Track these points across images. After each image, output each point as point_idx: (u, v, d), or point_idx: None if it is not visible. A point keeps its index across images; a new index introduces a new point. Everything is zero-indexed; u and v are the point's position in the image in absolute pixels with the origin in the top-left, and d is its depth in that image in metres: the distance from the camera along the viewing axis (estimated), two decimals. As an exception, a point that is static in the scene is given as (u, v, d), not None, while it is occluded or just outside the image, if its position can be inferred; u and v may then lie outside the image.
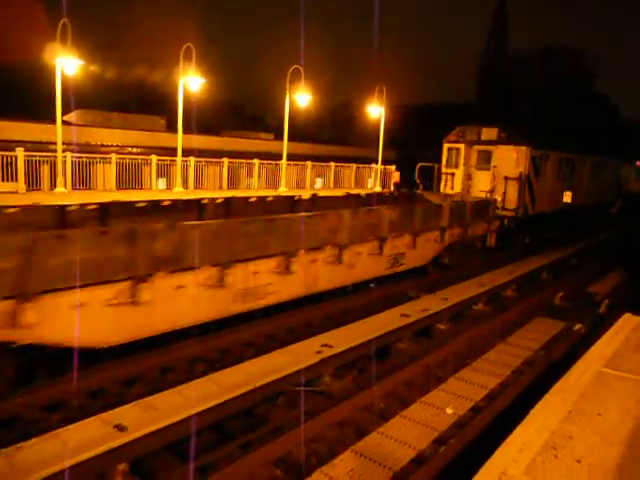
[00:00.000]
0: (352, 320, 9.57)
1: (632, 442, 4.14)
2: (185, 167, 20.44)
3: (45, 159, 16.91)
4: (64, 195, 15.26)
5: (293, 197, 13.69)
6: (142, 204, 10.42)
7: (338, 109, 58.14)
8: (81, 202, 9.77)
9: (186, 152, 20.41)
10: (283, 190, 21.81)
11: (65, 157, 16.74)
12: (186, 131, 20.49)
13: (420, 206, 13.63)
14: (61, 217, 9.22)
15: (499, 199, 17.85)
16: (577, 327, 10.36)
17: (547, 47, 70.55)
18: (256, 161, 23.22)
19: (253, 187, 23.38)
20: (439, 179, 19.79)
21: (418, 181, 19.47)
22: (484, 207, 16.33)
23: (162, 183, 20.98)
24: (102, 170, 18.85)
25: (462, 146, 19.46)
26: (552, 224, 21.18)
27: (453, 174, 19.56)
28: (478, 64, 77.27)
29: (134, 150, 24.91)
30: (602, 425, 4.35)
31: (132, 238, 7.09)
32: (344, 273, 10.74)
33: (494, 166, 18.82)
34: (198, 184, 21.19)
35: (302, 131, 35.64)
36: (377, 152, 25.51)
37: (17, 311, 6.14)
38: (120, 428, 5.32)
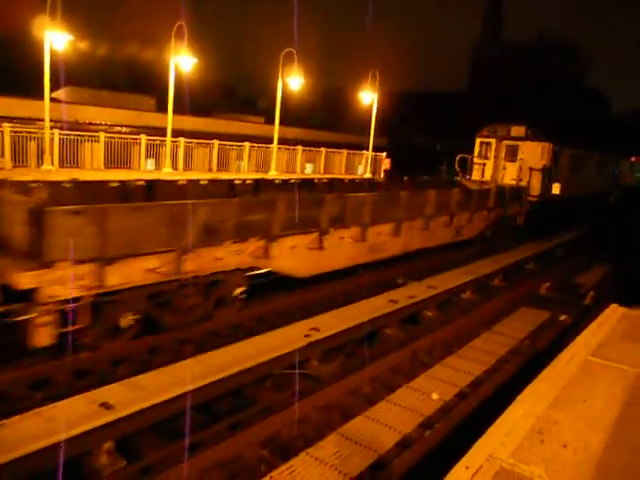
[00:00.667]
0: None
1: (617, 428, 4.20)
2: (175, 148, 20.23)
3: (32, 136, 16.65)
4: (51, 172, 15.06)
5: (313, 180, 16.64)
6: (278, 181, 14.97)
7: (331, 94, 57.82)
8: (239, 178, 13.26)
9: (176, 133, 20.19)
10: (273, 174, 21.70)
11: (53, 134, 16.49)
12: (176, 112, 20.25)
13: (477, 190, 16.96)
14: (231, 188, 12.33)
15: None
16: (562, 317, 10.47)
17: (541, 38, 70.49)
18: (246, 144, 23.05)
19: (243, 170, 23.24)
20: (471, 168, 22.56)
21: (458, 170, 22.33)
22: (518, 192, 19.71)
23: (151, 163, 20.77)
24: (90, 148, 18.59)
25: (493, 141, 22.21)
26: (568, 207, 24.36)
27: (484, 164, 22.42)
28: (471, 53, 77.18)
29: (123, 129, 24.59)
30: (588, 411, 4.42)
31: (319, 203, 10.48)
32: (429, 237, 14.18)
33: (521, 159, 21.63)
34: (187, 166, 21.01)
35: (293, 115, 35.39)
36: (368, 139, 25.45)
37: (267, 247, 9.32)
38: (106, 406, 5.29)
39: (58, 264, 6.49)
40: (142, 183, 11.11)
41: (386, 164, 26.50)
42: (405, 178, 20.70)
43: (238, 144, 22.86)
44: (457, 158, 22.47)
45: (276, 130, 21.90)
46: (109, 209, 7.10)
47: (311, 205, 10.30)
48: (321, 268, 10.66)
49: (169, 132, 19.24)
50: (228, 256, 8.57)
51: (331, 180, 16.36)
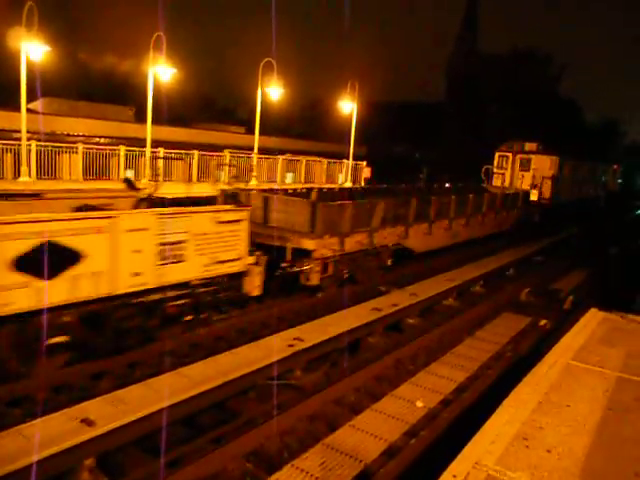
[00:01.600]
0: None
1: (600, 432, 4.23)
2: (154, 159, 20.08)
3: (9, 147, 16.38)
4: (28, 184, 14.81)
5: (350, 188, 19.98)
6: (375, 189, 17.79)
7: (310, 104, 58.03)
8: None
9: (155, 143, 20.05)
10: (254, 184, 21.64)
11: (29, 146, 16.25)
12: (155, 122, 20.12)
13: (511, 193, 22.35)
14: (350, 193, 15.68)
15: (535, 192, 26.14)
16: (543, 322, 10.57)
17: (516, 50, 71.72)
18: (227, 154, 22.97)
19: (223, 180, 23.12)
20: (492, 177, 27.48)
21: (483, 178, 27.11)
22: (519, 196, 23.96)
23: (130, 174, 20.57)
24: (68, 160, 18.36)
25: (510, 155, 27.38)
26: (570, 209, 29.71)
27: (503, 174, 27.49)
28: (447, 64, 78.15)
29: (101, 140, 24.35)
30: (571, 415, 4.44)
31: (429, 203, 15.22)
32: (484, 228, 18.99)
33: (534, 169, 26.64)
34: (167, 176, 20.85)
35: (273, 125, 35.43)
36: (348, 148, 25.55)
37: (406, 231, 14.05)
38: (87, 422, 5.18)
39: (324, 236, 11.07)
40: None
41: (366, 173, 26.60)
42: (447, 185, 23.61)
43: (218, 154, 22.75)
44: (482, 169, 27.47)
45: (256, 140, 21.90)
46: (346, 205, 12.05)
47: (425, 204, 15.01)
48: (428, 247, 15.34)
49: (148, 143, 19.10)
50: (389, 235, 13.45)
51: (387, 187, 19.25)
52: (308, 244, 10.70)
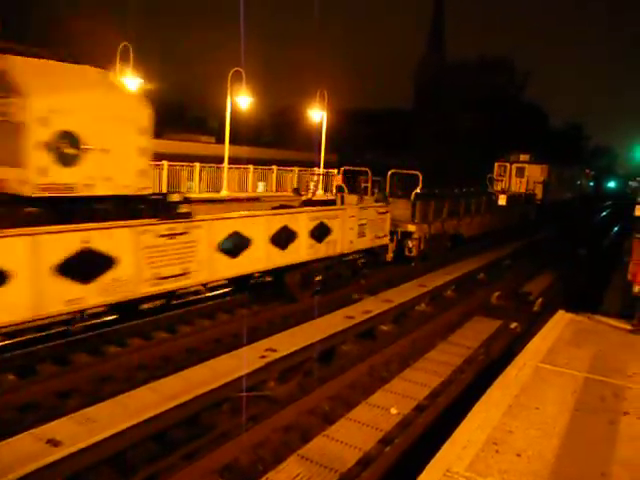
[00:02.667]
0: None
1: (568, 433, 4.28)
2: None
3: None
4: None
5: None
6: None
7: (280, 112, 58.07)
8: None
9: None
10: (225, 193, 21.52)
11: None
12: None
13: (518, 195, 28.98)
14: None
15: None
16: (513, 325, 10.70)
17: (482, 57, 73.12)
18: (197, 164, 22.80)
19: (194, 190, 22.94)
20: (493, 183, 32.26)
21: (488, 184, 31.24)
22: (531, 198, 30.73)
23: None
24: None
25: (508, 164, 33.47)
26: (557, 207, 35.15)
27: (502, 180, 33.15)
28: (416, 72, 79.16)
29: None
30: (540, 418, 4.49)
31: (469, 202, 20.23)
32: (502, 221, 23.94)
33: (527, 175, 32.69)
34: (137, 188, 20.56)
35: (244, 134, 35.28)
36: (319, 156, 25.62)
37: (458, 222, 18.80)
38: (54, 443, 5.03)
39: (419, 223, 15.40)
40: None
41: (338, 180, 26.71)
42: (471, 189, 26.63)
43: (188, 164, 22.57)
44: (487, 177, 32.20)
45: (226, 149, 21.80)
46: (430, 202, 16.46)
47: (467, 203, 19.58)
48: (471, 234, 19.86)
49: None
50: (450, 224, 18.00)
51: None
52: (411, 228, 15.29)
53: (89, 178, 7.38)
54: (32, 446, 5.03)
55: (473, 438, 3.99)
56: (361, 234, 12.91)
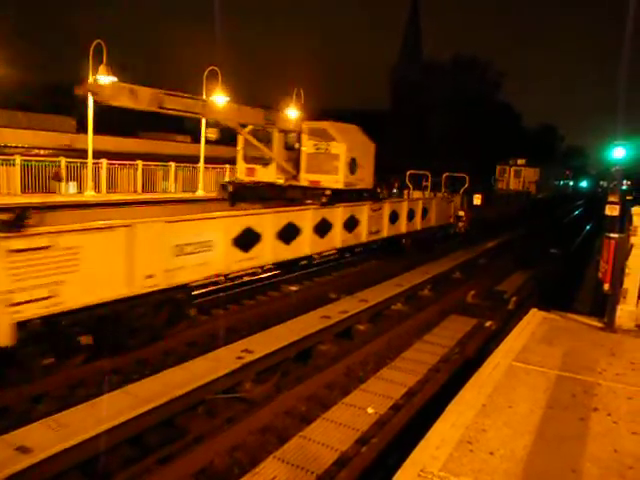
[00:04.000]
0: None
1: (540, 431, 4.34)
2: (97, 170, 19.53)
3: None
4: None
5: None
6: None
7: (257, 112, 57.65)
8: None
9: (99, 154, 19.50)
10: (201, 193, 21.36)
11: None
12: (98, 132, 19.58)
13: (520, 191, 38.51)
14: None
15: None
16: (488, 324, 10.82)
17: (457, 58, 73.91)
18: (172, 164, 22.60)
19: (170, 191, 22.74)
20: (496, 182, 41.50)
21: (492, 183, 40.80)
22: (527, 194, 38.55)
23: (73, 187, 19.91)
24: (5, 172, 17.61)
25: (507, 167, 42.22)
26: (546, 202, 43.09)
27: (503, 180, 41.84)
28: (392, 71, 79.61)
29: (41, 152, 23.50)
30: (513, 417, 4.54)
31: (500, 196, 33.49)
32: (514, 209, 31.64)
33: (524, 176, 41.31)
34: (111, 188, 20.30)
35: (222, 133, 35.02)
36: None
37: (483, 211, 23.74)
38: (23, 450, 4.92)
39: (466, 210, 20.61)
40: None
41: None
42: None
43: (163, 164, 22.36)
44: (492, 178, 41.66)
45: (202, 149, 21.63)
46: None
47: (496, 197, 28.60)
48: (492, 219, 25.36)
49: (90, 154, 18.56)
50: (479, 214, 21.93)
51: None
52: (461, 213, 20.30)
53: (359, 180, 14.11)
54: (1, 453, 4.91)
55: (447, 437, 4.02)
56: (436, 215, 18.54)
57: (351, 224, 13.37)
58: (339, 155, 13.13)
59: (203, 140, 21.71)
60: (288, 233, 10.92)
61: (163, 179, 23.09)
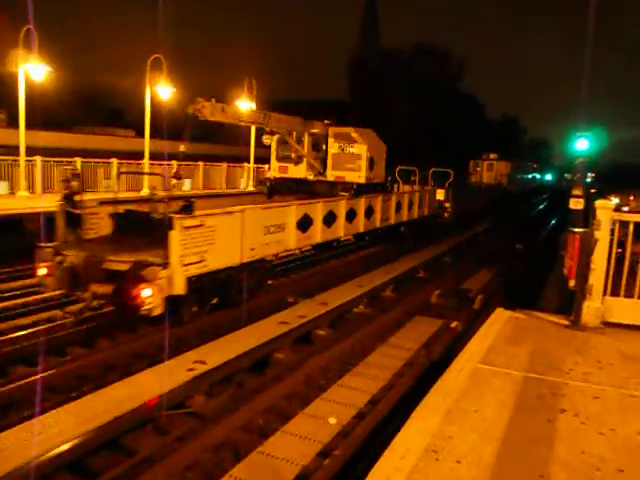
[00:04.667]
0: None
1: (507, 436, 4.45)
2: (30, 168, 18.92)
3: None
4: None
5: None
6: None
7: (207, 104, 57.02)
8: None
9: (31, 151, 18.90)
10: (146, 192, 20.98)
11: None
12: (30, 127, 18.97)
13: (493, 184, 47.03)
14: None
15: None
16: (454, 324, 11.03)
17: (417, 46, 74.97)
18: (114, 161, 22.10)
19: (112, 189, 22.25)
20: (470, 176, 46.62)
21: (467, 177, 45.07)
22: (499, 186, 45.32)
23: (3, 187, 19.26)
24: None
25: (480, 161, 48.65)
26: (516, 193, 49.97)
27: (476, 174, 47.43)
28: (349, 61, 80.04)
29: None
30: (480, 422, 4.64)
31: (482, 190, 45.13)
32: (491, 199, 40.18)
33: (495, 170, 47.34)
34: (47, 187, 19.72)
35: (170, 128, 34.50)
36: (249, 150, 25.43)
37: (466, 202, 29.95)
38: (-49, 480, 4.76)
39: (450, 201, 23.74)
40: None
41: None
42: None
43: (104, 161, 21.85)
44: (465, 173, 45.61)
45: (146, 144, 21.25)
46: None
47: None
48: (473, 209, 30.61)
49: (22, 150, 17.96)
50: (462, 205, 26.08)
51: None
52: (447, 204, 23.33)
53: (375, 175, 17.17)
54: None
55: (412, 447, 4.07)
56: (428, 206, 21.74)
57: (369, 212, 16.57)
58: (361, 155, 16.35)
59: (147, 134, 21.33)
60: (329, 218, 14.14)
61: (105, 177, 22.57)
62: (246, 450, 6.15)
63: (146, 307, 8.28)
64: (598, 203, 7.67)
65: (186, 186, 25.46)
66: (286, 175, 16.84)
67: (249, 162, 26.59)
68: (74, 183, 10.08)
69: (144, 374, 7.42)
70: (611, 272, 7.58)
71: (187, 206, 9.23)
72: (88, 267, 8.72)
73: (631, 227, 7.64)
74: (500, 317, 8.09)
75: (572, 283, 7.83)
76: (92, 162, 21.66)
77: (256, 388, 7.73)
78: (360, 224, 16.03)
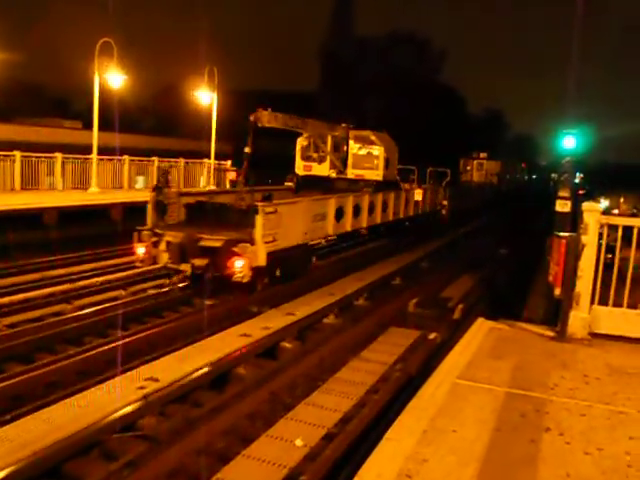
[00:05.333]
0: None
1: (488, 457, 4.47)
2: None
3: None
4: None
5: None
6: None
7: (164, 93, 56.65)
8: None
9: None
10: (94, 190, 20.67)
11: None
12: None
13: (484, 183, 51.05)
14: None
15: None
16: (432, 336, 11.09)
17: (393, 34, 75.57)
18: (58, 155, 21.68)
19: (57, 187, 21.86)
20: (461, 174, 49.45)
21: (458, 176, 46.85)
22: (491, 185, 50.55)
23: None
24: None
25: (470, 161, 52.69)
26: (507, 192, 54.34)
27: (466, 173, 51.12)
28: (321, 48, 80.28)
29: None
30: (458, 443, 4.65)
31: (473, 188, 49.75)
32: (484, 198, 45.70)
33: (485, 169, 51.67)
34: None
35: (121, 120, 34.14)
36: (209, 145, 25.25)
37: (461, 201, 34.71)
38: None
39: (447, 200, 27.47)
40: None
41: (232, 175, 26.45)
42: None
43: (48, 155, 21.43)
44: (459, 172, 48.52)
45: (95, 137, 20.91)
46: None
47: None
48: (467, 208, 34.03)
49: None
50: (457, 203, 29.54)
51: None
52: (445, 202, 26.75)
53: (390, 174, 20.80)
54: None
55: (383, 472, 4.06)
56: (430, 203, 25.28)
57: (385, 207, 19.96)
58: (378, 155, 19.98)
59: (95, 126, 21.00)
60: (356, 211, 17.44)
61: (47, 174, 22.15)
62: (202, 477, 6.07)
63: (238, 275, 11.24)
64: (585, 206, 7.79)
65: (139, 184, 25.21)
66: (310, 173, 20.34)
67: (209, 158, 26.38)
68: (162, 179, 16.00)
69: (88, 393, 7.27)
70: (599, 279, 7.69)
71: (267, 196, 12.76)
72: (187, 245, 11.71)
73: (620, 231, 7.77)
74: (481, 328, 8.16)
75: (558, 291, 7.94)
76: (34, 157, 21.22)
77: (215, 407, 7.64)
78: (377, 217, 19.39)
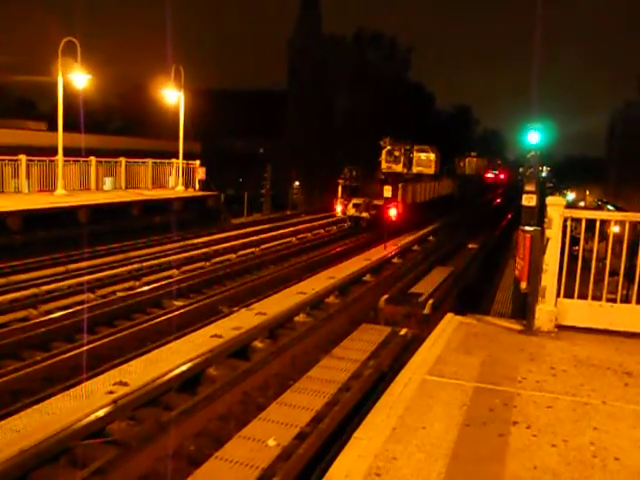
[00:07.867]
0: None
1: (456, 453, 4.50)
2: None
3: None
4: None
5: None
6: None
7: (131, 93, 56.02)
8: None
9: None
10: (61, 192, 20.33)
11: None
12: None
13: (473, 176, 61.60)
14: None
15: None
16: (403, 332, 11.15)
17: (361, 31, 75.73)
18: (23, 157, 21.26)
19: (23, 190, 21.45)
20: (455, 169, 55.56)
21: (454, 171, 54.11)
22: (479, 176, 64.55)
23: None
24: None
25: (463, 159, 62.49)
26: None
27: (460, 167, 60.09)
28: (288, 47, 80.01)
29: None
30: (427, 439, 4.68)
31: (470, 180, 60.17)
32: (475, 189, 57.82)
33: (475, 165, 62.48)
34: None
35: (87, 120, 33.67)
36: (178, 144, 25.02)
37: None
38: None
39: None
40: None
41: (200, 174, 26.27)
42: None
43: (11, 157, 21.00)
44: (452, 166, 53.85)
45: (60, 138, 20.55)
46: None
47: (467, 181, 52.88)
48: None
49: None
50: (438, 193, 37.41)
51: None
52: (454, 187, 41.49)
53: (437, 170, 34.88)
54: None
55: (352, 470, 4.06)
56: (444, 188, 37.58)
57: (436, 189, 32.64)
58: (433, 159, 33.06)
59: (60, 126, 20.62)
60: (428, 189, 30.81)
61: (12, 176, 21.71)
62: (175, 480, 6.02)
63: (392, 218, 22.36)
64: (549, 200, 7.90)
65: (107, 185, 24.89)
66: (391, 170, 31.31)
67: (177, 158, 26.12)
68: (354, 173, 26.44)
69: (57, 399, 7.16)
70: (564, 272, 7.81)
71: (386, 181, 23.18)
72: (367, 204, 25.49)
73: (583, 224, 7.91)
74: (450, 323, 8.22)
75: (524, 285, 8.04)
76: (-3, 159, 20.79)
77: (186, 410, 7.57)
78: (434, 194, 32.42)
